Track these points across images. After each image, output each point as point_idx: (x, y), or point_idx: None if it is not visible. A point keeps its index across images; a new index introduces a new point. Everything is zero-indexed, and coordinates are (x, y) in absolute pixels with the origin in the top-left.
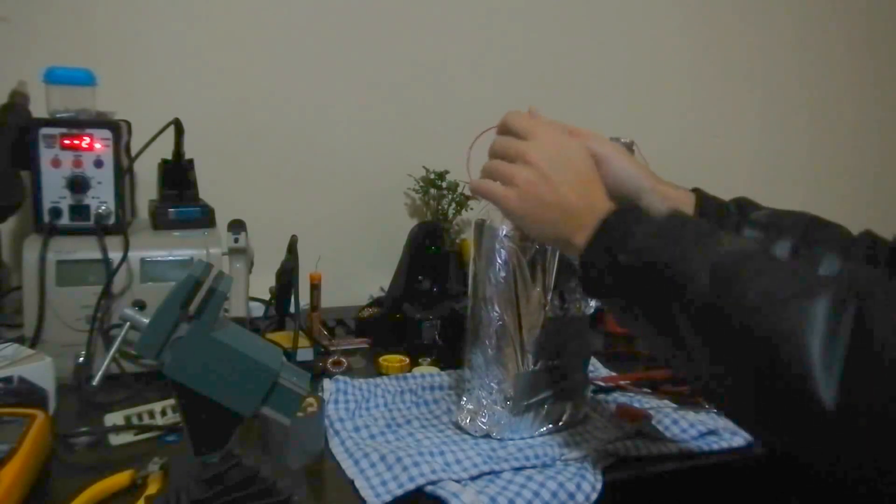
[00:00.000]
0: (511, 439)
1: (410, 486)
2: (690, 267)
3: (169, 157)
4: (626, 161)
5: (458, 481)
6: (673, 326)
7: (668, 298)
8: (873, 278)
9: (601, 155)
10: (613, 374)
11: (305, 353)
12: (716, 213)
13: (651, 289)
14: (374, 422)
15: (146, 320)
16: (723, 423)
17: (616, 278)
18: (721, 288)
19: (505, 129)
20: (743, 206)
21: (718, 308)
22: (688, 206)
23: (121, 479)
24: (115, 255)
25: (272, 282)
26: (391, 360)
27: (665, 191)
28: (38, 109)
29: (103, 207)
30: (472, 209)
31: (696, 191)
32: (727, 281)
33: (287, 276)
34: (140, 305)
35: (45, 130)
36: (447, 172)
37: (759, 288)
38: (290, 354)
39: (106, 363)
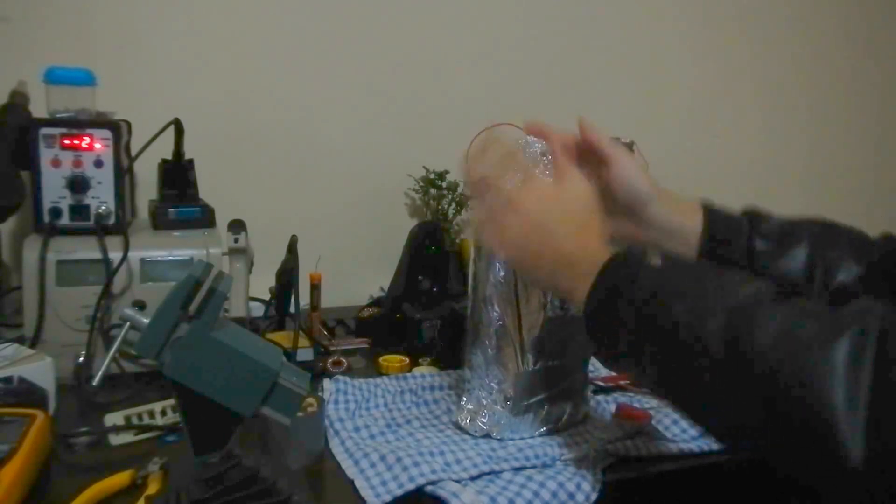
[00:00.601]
0: (511, 439)
1: (410, 486)
2: (701, 327)
3: (169, 157)
4: (635, 168)
5: (458, 481)
6: (675, 379)
7: (674, 350)
8: (890, 315)
9: (612, 158)
10: (613, 374)
11: (305, 353)
12: (725, 226)
13: (658, 350)
14: (374, 422)
15: (146, 320)
16: None
17: (620, 335)
18: (732, 349)
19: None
20: (753, 218)
21: (732, 368)
22: (696, 218)
23: (121, 479)
24: (115, 255)
25: (272, 282)
26: (391, 360)
27: (672, 203)
28: (38, 109)
29: (103, 207)
30: (472, 209)
31: (704, 206)
32: (737, 341)
33: (287, 276)
34: (140, 305)
35: (45, 130)
36: (447, 172)
37: (774, 342)
38: (290, 354)
39: (106, 363)
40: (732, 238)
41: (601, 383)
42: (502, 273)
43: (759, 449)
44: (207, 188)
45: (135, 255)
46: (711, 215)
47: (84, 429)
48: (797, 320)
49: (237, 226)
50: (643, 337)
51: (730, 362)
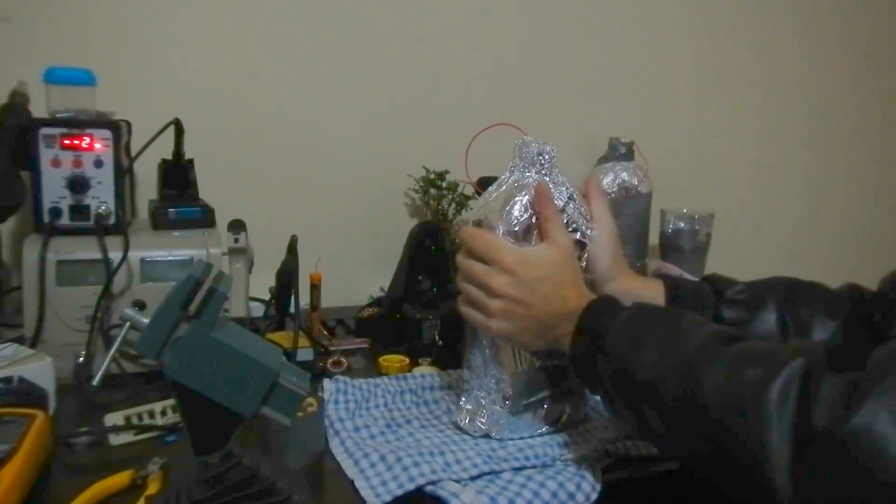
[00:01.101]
0: (510, 439)
1: (410, 486)
2: (662, 385)
3: (169, 157)
4: (606, 243)
5: (458, 481)
6: (647, 424)
7: (640, 401)
8: (815, 353)
9: (595, 221)
10: None
11: (305, 353)
12: (690, 297)
13: (626, 403)
14: (374, 422)
15: (146, 320)
16: None
17: (599, 385)
18: (686, 402)
19: (466, 250)
20: (717, 286)
21: (686, 417)
22: (658, 297)
23: (121, 479)
24: (115, 255)
25: (272, 282)
26: (391, 360)
27: (633, 280)
28: (38, 109)
29: (103, 207)
30: (471, 209)
31: (664, 278)
32: (690, 396)
33: (287, 276)
34: (140, 305)
35: (45, 130)
36: (447, 172)
37: (718, 391)
38: (290, 354)
39: (106, 363)
40: (697, 307)
41: None
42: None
43: (710, 478)
44: (207, 188)
45: (135, 255)
46: (674, 290)
47: (84, 429)
48: (741, 365)
49: (237, 226)
50: (614, 389)
51: (683, 412)
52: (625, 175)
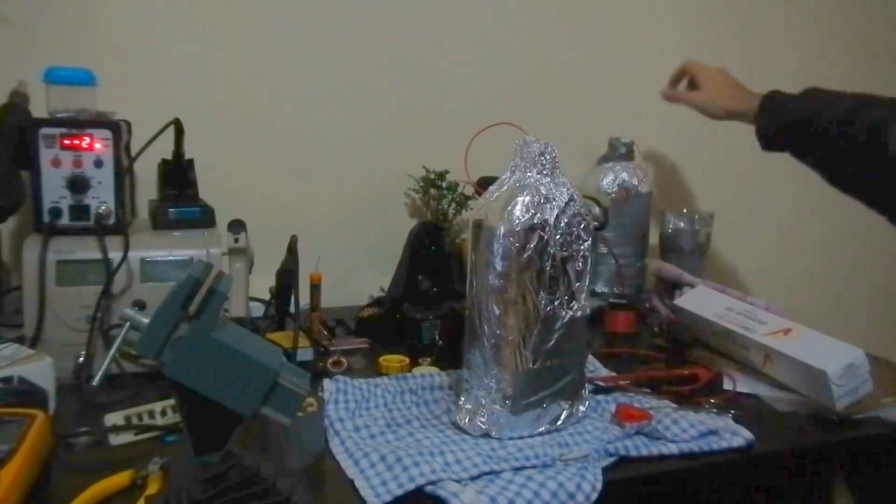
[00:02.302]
0: (510, 438)
1: (410, 486)
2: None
3: (169, 157)
4: (720, 89)
5: (458, 481)
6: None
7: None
8: None
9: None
10: (613, 374)
11: (305, 353)
12: None
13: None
14: (374, 422)
15: (146, 320)
16: (723, 423)
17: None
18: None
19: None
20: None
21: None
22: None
23: (121, 479)
24: (115, 255)
25: (272, 282)
26: (391, 360)
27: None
28: (38, 109)
29: (103, 207)
30: (471, 209)
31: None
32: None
33: (287, 276)
34: (140, 305)
35: (45, 130)
36: (447, 172)
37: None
38: (290, 354)
39: (106, 363)
40: None
41: (601, 383)
42: (500, 272)
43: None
44: (207, 188)
45: (135, 255)
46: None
47: (84, 429)
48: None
49: (237, 226)
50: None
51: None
52: (625, 175)
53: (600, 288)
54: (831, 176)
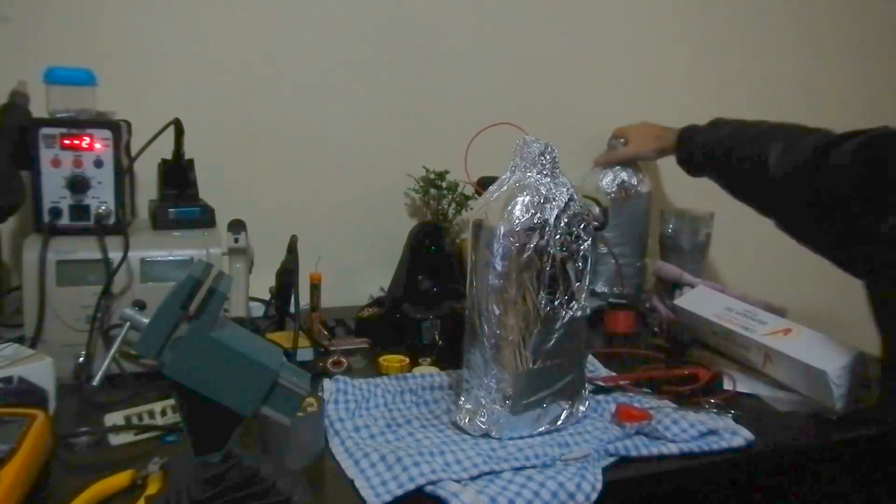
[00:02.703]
0: (510, 438)
1: (410, 486)
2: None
3: (169, 157)
4: (645, 138)
5: (458, 481)
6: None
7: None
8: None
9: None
10: (613, 374)
11: (305, 353)
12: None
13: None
14: (374, 422)
15: (146, 320)
16: (723, 423)
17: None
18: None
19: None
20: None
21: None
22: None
23: (121, 479)
24: (115, 255)
25: (272, 282)
26: (391, 360)
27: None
28: (38, 109)
29: (103, 207)
30: (471, 209)
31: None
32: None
33: (287, 276)
34: (140, 305)
35: (45, 130)
36: (447, 172)
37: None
38: (290, 354)
39: (106, 363)
40: None
41: (601, 383)
42: (500, 273)
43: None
44: (207, 188)
45: (135, 255)
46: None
47: (84, 429)
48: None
49: (237, 226)
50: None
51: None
52: (624, 175)
53: (600, 288)
54: (732, 191)
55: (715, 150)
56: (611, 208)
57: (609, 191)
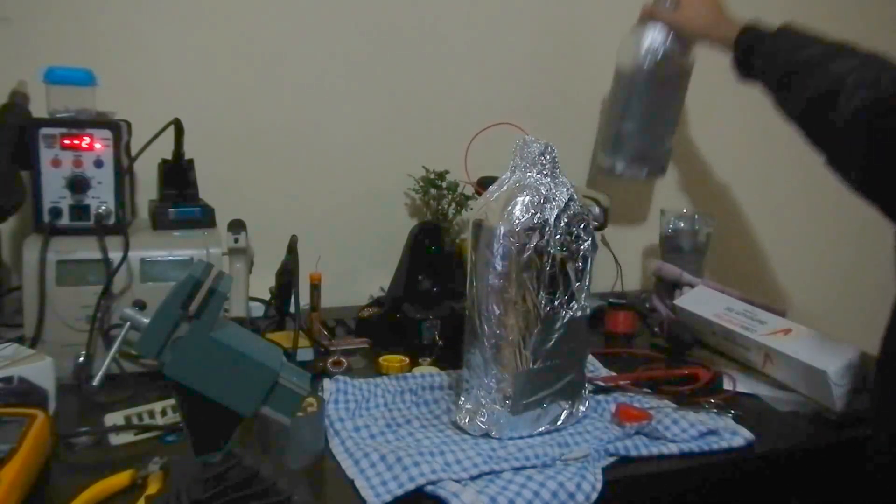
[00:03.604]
0: (510, 438)
1: (410, 486)
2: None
3: (169, 157)
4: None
5: (458, 481)
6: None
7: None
8: None
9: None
10: (613, 374)
11: (305, 353)
12: None
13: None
14: (374, 422)
15: (146, 320)
16: (723, 423)
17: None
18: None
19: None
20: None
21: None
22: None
23: (121, 479)
24: (115, 255)
25: (272, 282)
26: (391, 360)
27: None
28: (38, 109)
29: (103, 207)
30: (471, 209)
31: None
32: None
33: (287, 276)
34: (140, 305)
35: (45, 130)
36: (447, 172)
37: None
38: (290, 354)
39: (106, 363)
40: None
41: (601, 383)
42: (500, 273)
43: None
44: (207, 188)
45: (135, 255)
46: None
47: (84, 429)
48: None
49: (237, 226)
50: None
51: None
52: (671, 45)
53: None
54: (788, 115)
55: (780, 65)
56: (645, 78)
57: (646, 57)
